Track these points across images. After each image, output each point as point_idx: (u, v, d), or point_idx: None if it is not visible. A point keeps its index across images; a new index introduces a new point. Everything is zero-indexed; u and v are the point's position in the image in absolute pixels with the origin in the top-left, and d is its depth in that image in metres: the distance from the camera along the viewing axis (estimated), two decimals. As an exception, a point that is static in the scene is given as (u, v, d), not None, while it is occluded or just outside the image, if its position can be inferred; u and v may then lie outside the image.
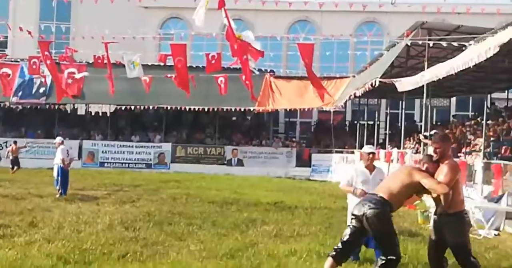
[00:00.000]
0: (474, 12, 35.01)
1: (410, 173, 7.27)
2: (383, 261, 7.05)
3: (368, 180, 9.05)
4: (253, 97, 26.83)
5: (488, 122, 21.82)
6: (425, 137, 20.23)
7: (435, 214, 7.46)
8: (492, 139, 21.75)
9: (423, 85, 20.00)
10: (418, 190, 7.29)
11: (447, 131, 24.22)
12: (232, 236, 11.10)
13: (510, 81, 26.07)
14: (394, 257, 7.04)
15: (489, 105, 26.72)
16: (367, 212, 7.11)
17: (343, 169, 25.72)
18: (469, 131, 24.57)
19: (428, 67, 20.23)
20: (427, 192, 7.26)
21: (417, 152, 23.25)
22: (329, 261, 7.41)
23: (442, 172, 7.11)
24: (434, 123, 29.88)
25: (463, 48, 18.21)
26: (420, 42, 21.06)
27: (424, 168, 7.35)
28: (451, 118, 33.46)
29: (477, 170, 17.00)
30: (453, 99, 36.54)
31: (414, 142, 26.73)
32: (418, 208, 13.34)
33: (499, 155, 19.68)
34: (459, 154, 20.65)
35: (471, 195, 15.91)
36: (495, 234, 12.70)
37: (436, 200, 7.25)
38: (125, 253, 9.20)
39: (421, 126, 24.65)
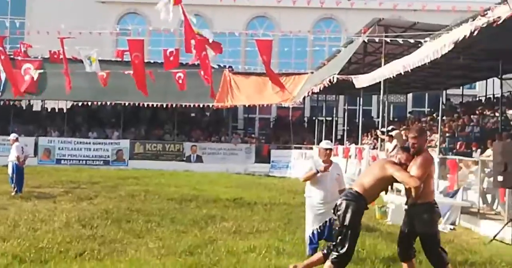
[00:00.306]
0: (429, 9, 35.63)
1: (383, 166, 7.40)
2: (334, 256, 7.12)
3: (326, 174, 9.13)
4: (212, 94, 26.72)
5: (443, 118, 22.17)
6: (382, 133, 20.43)
7: (406, 204, 7.57)
8: (447, 134, 22.16)
9: (380, 81, 20.22)
10: (391, 183, 7.46)
11: (403, 127, 24.54)
12: (191, 233, 11.06)
13: (465, 77, 26.57)
14: (344, 253, 7.09)
15: (444, 101, 27.12)
16: (339, 202, 7.24)
17: (301, 164, 25.83)
18: (425, 127, 24.93)
19: (385, 64, 20.46)
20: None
21: (374, 147, 23.50)
22: (318, 254, 7.55)
23: (416, 165, 7.23)
24: (391, 119, 30.21)
25: (419, 44, 18.44)
26: (377, 39, 21.25)
27: (397, 160, 7.48)
28: (408, 114, 33.97)
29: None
30: (410, 95, 37.01)
31: (372, 138, 27.04)
32: (376, 203, 13.50)
33: (454, 151, 20.06)
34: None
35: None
36: (450, 229, 12.91)
37: (408, 191, 7.38)
38: (82, 251, 9.09)
39: (378, 122, 24.89)
